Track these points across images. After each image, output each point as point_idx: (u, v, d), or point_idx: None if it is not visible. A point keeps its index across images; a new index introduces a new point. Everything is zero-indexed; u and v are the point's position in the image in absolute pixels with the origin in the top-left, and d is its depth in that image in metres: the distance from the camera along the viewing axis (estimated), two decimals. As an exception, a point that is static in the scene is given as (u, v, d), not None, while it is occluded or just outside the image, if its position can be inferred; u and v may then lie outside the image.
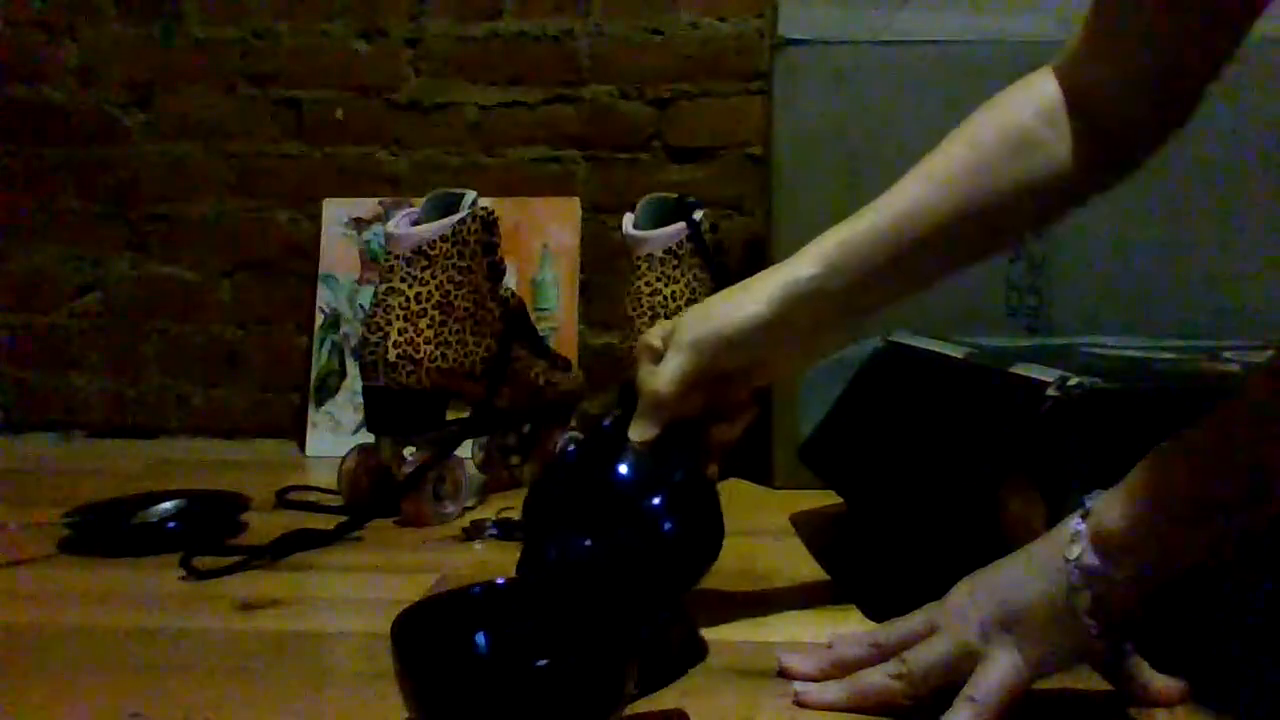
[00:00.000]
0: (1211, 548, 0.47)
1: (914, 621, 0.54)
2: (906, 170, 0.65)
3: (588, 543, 0.59)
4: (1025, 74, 0.66)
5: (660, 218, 1.09)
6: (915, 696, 0.51)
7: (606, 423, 0.65)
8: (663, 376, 0.62)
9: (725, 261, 1.14)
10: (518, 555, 0.64)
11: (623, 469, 0.62)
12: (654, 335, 0.65)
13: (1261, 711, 0.51)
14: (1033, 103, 0.64)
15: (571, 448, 0.67)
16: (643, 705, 0.51)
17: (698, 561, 0.62)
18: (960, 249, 0.65)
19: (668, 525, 0.60)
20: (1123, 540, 0.47)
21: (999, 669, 0.48)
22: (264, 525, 0.89)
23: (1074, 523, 0.49)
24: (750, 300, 0.63)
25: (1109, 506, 0.48)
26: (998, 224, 0.65)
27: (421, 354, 0.93)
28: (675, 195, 1.11)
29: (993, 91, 0.66)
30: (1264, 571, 0.51)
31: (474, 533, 0.89)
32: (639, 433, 0.62)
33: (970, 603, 0.51)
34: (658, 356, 0.64)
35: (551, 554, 0.60)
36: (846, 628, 0.60)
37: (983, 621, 0.50)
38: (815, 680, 0.55)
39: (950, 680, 0.50)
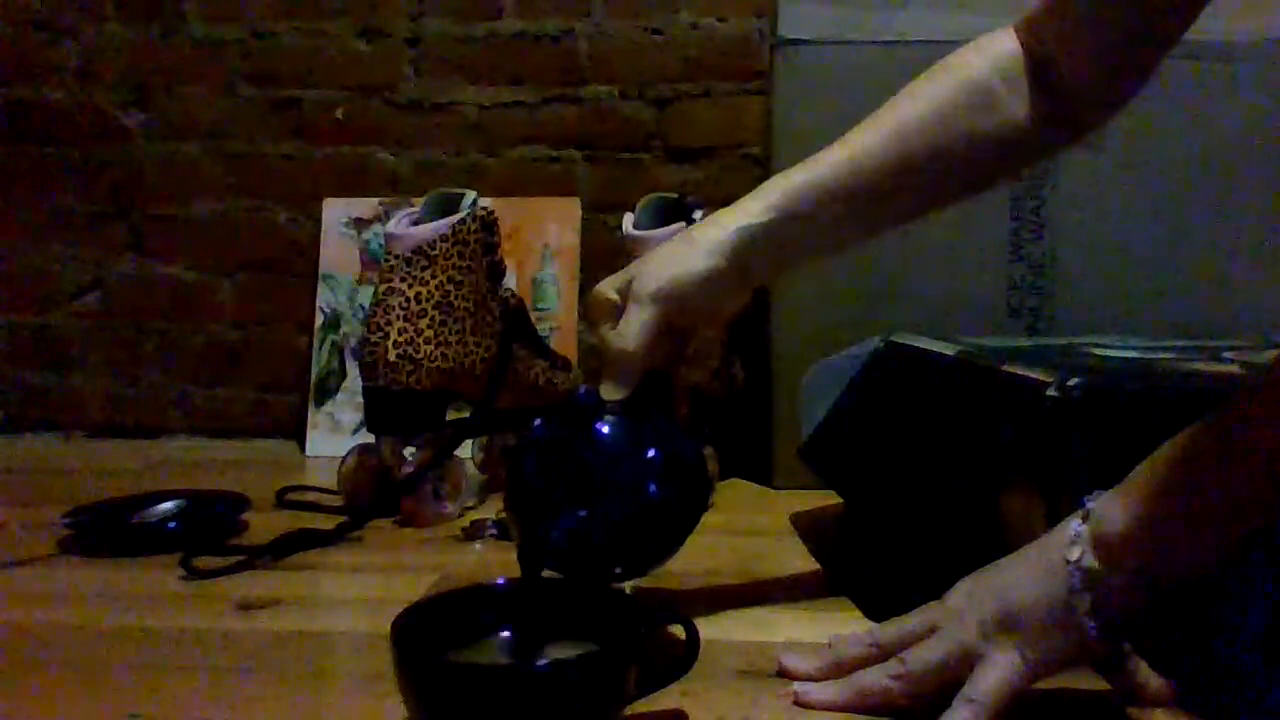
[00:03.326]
0: (1212, 549, 0.47)
1: (914, 622, 0.54)
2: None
3: (583, 514, 0.59)
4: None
5: (660, 218, 1.09)
6: (915, 696, 0.51)
7: (583, 390, 0.64)
8: (629, 334, 0.61)
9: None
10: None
11: (604, 431, 0.61)
12: (609, 289, 0.64)
13: (1260, 713, 0.51)
14: (992, 59, 0.64)
15: (538, 422, 0.65)
16: (643, 705, 0.51)
17: (696, 508, 0.63)
18: (910, 200, 0.66)
19: (668, 479, 0.60)
20: (1123, 543, 0.47)
21: (998, 670, 0.48)
22: (264, 525, 0.89)
23: (1074, 524, 0.49)
24: (705, 251, 0.62)
25: (1109, 508, 0.48)
26: (949, 176, 0.65)
27: (421, 354, 0.93)
28: (675, 195, 1.11)
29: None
30: (1264, 573, 0.51)
31: (474, 533, 0.89)
32: (612, 392, 0.61)
33: (970, 603, 0.51)
34: (616, 311, 0.63)
35: (555, 535, 0.60)
36: (846, 628, 0.60)
37: (982, 622, 0.50)
38: (815, 680, 0.55)
39: (949, 680, 0.50)
